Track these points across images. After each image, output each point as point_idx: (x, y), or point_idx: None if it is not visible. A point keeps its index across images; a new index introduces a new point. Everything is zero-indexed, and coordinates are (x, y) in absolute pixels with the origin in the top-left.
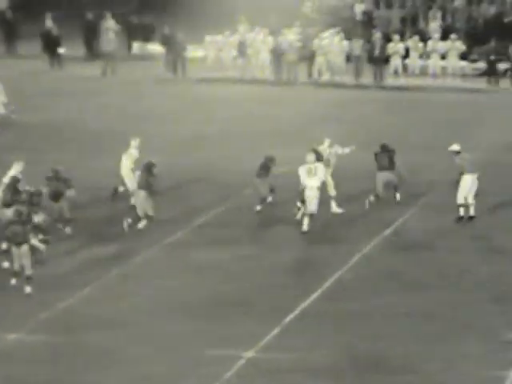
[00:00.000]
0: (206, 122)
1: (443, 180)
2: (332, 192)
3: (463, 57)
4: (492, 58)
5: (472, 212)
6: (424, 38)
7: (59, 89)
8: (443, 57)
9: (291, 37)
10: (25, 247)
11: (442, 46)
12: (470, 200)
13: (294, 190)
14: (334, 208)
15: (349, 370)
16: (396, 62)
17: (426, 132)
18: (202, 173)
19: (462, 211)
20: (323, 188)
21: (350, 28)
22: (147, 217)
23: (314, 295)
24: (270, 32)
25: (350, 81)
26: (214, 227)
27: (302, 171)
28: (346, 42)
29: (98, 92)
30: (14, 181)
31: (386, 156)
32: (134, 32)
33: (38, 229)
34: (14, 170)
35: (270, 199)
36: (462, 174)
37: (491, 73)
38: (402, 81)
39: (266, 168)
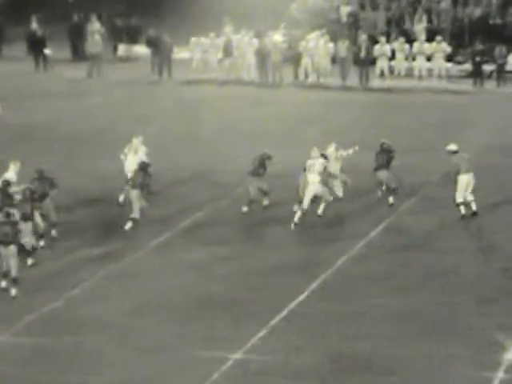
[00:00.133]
0: (193, 123)
1: (430, 181)
2: (340, 193)
3: (449, 58)
4: (478, 59)
5: (474, 207)
6: (410, 40)
7: (45, 90)
8: (429, 58)
9: (276, 38)
10: (12, 248)
11: (428, 47)
12: (470, 197)
13: (284, 191)
14: (321, 209)
15: (335, 372)
16: (383, 63)
17: (412, 133)
18: (191, 173)
19: (462, 210)
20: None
21: (335, 30)
22: (132, 219)
23: (301, 296)
24: (255, 34)
25: (336, 83)
26: (202, 227)
27: (306, 165)
28: (331, 44)
29: (83, 94)
30: (4, 185)
31: (384, 156)
32: (120, 34)
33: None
34: (11, 170)
35: (266, 203)
36: (457, 173)
37: (477, 74)
38: (388, 82)
39: (262, 166)
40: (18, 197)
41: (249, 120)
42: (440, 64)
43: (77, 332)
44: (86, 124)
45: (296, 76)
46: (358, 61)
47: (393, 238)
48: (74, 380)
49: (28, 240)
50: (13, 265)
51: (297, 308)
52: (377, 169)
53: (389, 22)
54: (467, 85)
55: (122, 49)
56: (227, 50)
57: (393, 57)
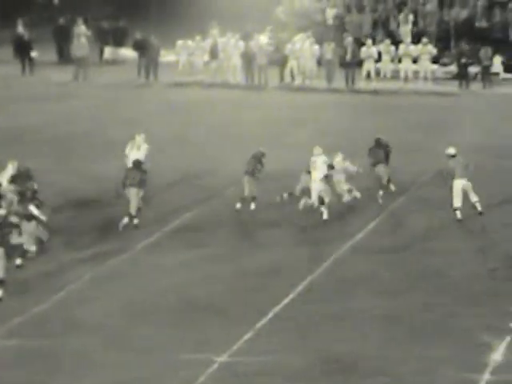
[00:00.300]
0: (179, 125)
1: (417, 182)
2: (345, 198)
3: (435, 60)
4: (463, 61)
5: (479, 208)
6: (396, 42)
7: (31, 94)
8: (415, 60)
9: (262, 41)
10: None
11: (414, 49)
12: (474, 198)
13: (271, 193)
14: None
15: (321, 374)
16: (369, 65)
17: (399, 135)
18: (178, 175)
19: (458, 214)
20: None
21: (321, 32)
22: (132, 215)
23: (287, 299)
24: (241, 36)
25: (322, 85)
26: (190, 230)
27: (310, 163)
28: (316, 46)
29: (70, 97)
30: None
31: (381, 150)
32: (106, 37)
33: (42, 223)
34: (9, 170)
35: (253, 207)
36: (452, 178)
37: (462, 76)
38: (374, 85)
39: (259, 163)
40: (11, 196)
41: (235, 122)
42: (426, 66)
43: (65, 334)
44: (74, 127)
45: (282, 78)
46: (343, 63)
47: (381, 239)
48: (62, 382)
49: (25, 240)
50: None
51: (284, 310)
52: (375, 164)
53: (375, 24)
54: (453, 86)
55: (108, 52)
56: (213, 53)
57: (379, 59)
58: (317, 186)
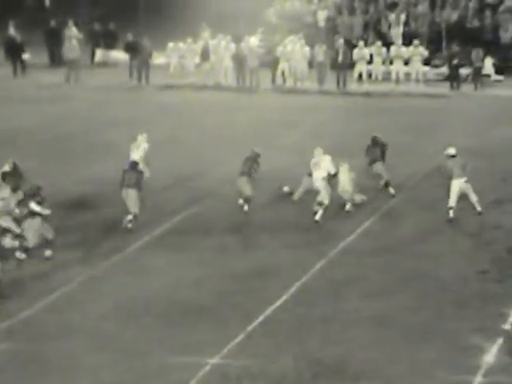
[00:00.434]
0: (171, 128)
1: (408, 184)
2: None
3: (426, 62)
4: (454, 62)
5: (479, 208)
6: (387, 44)
7: (23, 96)
8: (406, 62)
9: (253, 43)
10: None
11: (405, 51)
12: (474, 198)
13: (262, 195)
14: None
15: (312, 376)
16: (361, 67)
17: (390, 137)
18: (169, 178)
19: (451, 213)
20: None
21: (312, 34)
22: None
23: (279, 301)
24: (232, 39)
25: (313, 87)
26: (181, 232)
27: (311, 164)
28: (307, 48)
29: (62, 99)
30: None
31: (378, 149)
32: (98, 39)
33: (46, 219)
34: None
35: (245, 208)
36: (450, 178)
37: (453, 78)
38: (366, 87)
39: (255, 163)
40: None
41: (227, 125)
42: (417, 68)
43: (55, 337)
44: (66, 129)
45: (273, 80)
46: (335, 65)
47: (371, 242)
48: None
49: (31, 236)
50: None
51: (274, 313)
52: (371, 162)
53: (366, 26)
54: (444, 88)
55: (99, 54)
56: (205, 55)
57: (370, 61)
58: (319, 184)
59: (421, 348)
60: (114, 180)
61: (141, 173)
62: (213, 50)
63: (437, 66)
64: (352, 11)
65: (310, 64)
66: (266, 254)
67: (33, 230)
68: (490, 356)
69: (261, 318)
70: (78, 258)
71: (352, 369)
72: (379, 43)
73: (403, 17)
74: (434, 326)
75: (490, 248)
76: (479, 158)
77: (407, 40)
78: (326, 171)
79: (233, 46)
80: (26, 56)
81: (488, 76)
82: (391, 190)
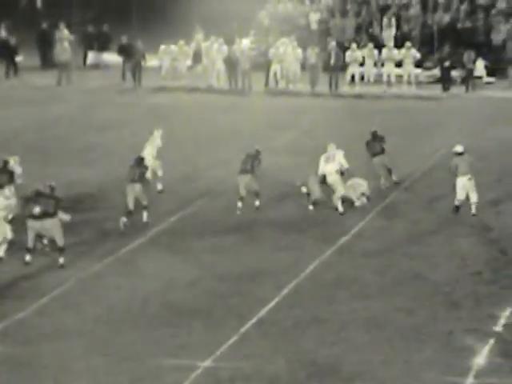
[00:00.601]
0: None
1: (401, 185)
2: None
3: (418, 64)
4: (446, 64)
5: (473, 210)
6: (379, 46)
7: (14, 98)
8: (398, 64)
9: (245, 45)
10: None
11: (397, 53)
12: (473, 199)
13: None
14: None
15: (305, 378)
16: (354, 69)
17: None
18: (163, 180)
19: (457, 202)
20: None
21: (305, 36)
22: (144, 207)
23: (272, 303)
24: (225, 41)
25: (306, 89)
26: (174, 234)
27: (321, 160)
28: (300, 50)
29: (53, 101)
30: None
31: (377, 143)
32: (91, 41)
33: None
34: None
35: (257, 203)
36: (455, 175)
37: (445, 80)
38: (358, 89)
39: (257, 160)
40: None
41: (219, 127)
42: (409, 70)
43: (47, 340)
44: (57, 131)
45: (266, 83)
46: (327, 67)
47: (364, 243)
48: None
49: (58, 236)
50: None
51: (268, 314)
52: (373, 156)
53: (358, 29)
54: (436, 90)
55: (91, 56)
56: (197, 57)
57: (362, 63)
58: (331, 178)
59: (413, 349)
60: (105, 182)
61: (145, 168)
62: (205, 53)
63: (429, 68)
64: (344, 13)
65: (303, 66)
66: (261, 255)
67: (56, 229)
68: (482, 357)
69: (255, 320)
70: (69, 261)
71: (346, 370)
72: (371, 45)
73: (395, 19)
74: (428, 328)
75: (484, 249)
76: (474, 158)
77: (399, 42)
78: (338, 165)
79: (225, 48)
80: (18, 58)
81: (480, 78)
82: (394, 178)
